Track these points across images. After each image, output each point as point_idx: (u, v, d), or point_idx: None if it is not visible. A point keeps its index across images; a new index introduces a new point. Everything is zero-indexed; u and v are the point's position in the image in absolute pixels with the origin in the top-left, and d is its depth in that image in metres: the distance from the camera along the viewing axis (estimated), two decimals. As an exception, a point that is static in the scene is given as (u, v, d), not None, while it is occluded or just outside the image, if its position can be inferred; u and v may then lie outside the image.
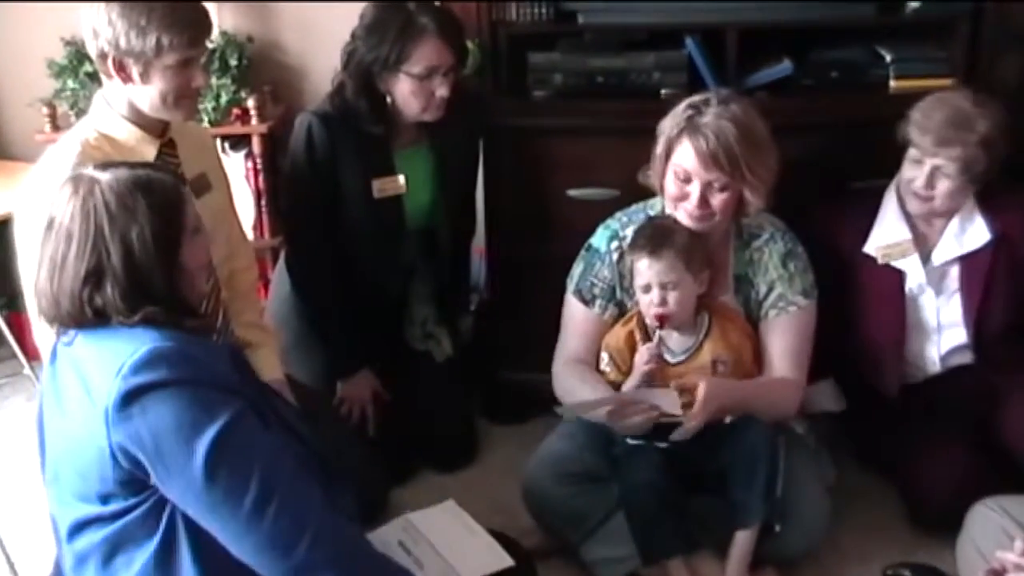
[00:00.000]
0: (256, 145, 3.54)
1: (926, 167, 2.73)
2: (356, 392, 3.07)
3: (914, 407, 2.88)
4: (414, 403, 3.09)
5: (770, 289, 2.71)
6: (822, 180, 2.99)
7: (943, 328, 2.87)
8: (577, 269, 2.80)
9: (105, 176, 1.95)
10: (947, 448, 2.76)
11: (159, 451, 1.86)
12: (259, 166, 3.56)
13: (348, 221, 2.99)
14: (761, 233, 2.75)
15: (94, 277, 1.91)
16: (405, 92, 2.86)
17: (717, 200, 2.60)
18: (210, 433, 1.86)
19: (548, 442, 2.76)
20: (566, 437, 2.74)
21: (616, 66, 3.15)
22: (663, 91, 3.12)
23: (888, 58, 3.17)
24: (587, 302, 2.77)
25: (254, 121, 3.52)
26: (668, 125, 2.64)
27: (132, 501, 1.94)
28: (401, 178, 2.98)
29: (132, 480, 1.92)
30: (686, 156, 2.59)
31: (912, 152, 2.75)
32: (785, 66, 3.16)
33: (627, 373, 2.60)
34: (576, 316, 2.78)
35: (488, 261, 3.36)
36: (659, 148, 2.65)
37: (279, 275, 3.15)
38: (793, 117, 2.98)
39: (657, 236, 2.60)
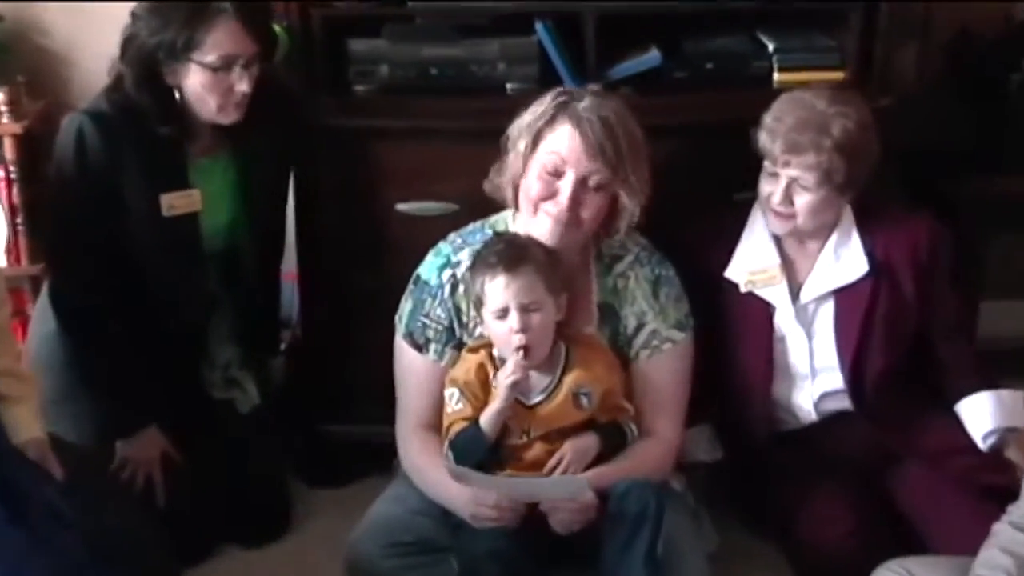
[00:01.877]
0: (8, 149, 3.51)
1: (781, 180, 2.80)
2: (140, 453, 3.01)
3: (791, 459, 2.96)
4: (213, 464, 3.06)
5: (640, 323, 2.77)
6: (697, 190, 3.04)
7: (816, 372, 2.95)
8: (406, 307, 2.81)
9: None
10: (832, 505, 2.84)
11: None
12: (13, 176, 3.52)
13: (130, 244, 2.96)
14: (624, 254, 2.80)
15: None
16: (197, 86, 2.84)
17: (590, 202, 2.64)
18: None
19: (375, 507, 2.78)
20: (397, 500, 2.76)
21: (453, 56, 3.16)
22: (510, 86, 3.15)
23: (771, 48, 3.24)
24: (420, 347, 2.78)
25: (5, 119, 3.48)
26: (529, 119, 2.67)
27: None
28: (196, 193, 2.97)
29: None
30: (563, 141, 2.62)
31: (766, 163, 2.83)
32: (653, 56, 3.21)
33: (483, 406, 2.63)
34: (411, 366, 2.80)
35: (302, 290, 3.34)
36: (522, 142, 2.67)
37: (41, 311, 3.09)
38: (662, 116, 3.02)
39: (512, 250, 2.63)
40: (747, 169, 2.91)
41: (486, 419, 2.61)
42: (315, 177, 3.18)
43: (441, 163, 3.09)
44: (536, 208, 2.66)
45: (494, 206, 2.81)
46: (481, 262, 2.66)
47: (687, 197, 2.99)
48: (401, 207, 3.13)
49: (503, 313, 2.61)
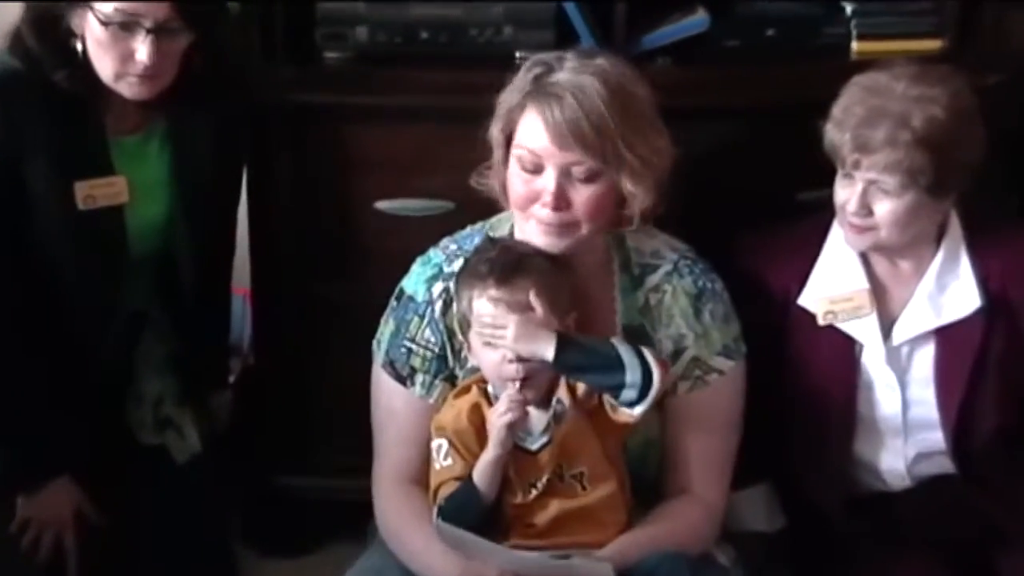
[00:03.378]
0: None
1: (857, 183, 2.71)
2: (48, 511, 2.92)
3: (871, 529, 2.89)
4: (140, 527, 2.98)
5: (678, 349, 2.68)
6: (752, 188, 3.00)
7: (911, 429, 2.85)
8: (386, 329, 2.74)
9: None
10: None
11: None
12: None
13: (36, 244, 2.88)
14: (659, 263, 2.72)
15: None
16: (94, 42, 2.75)
17: (582, 196, 2.55)
18: None
19: (346, 582, 2.74)
20: (371, 574, 2.71)
21: (449, 17, 3.12)
22: (519, 55, 3.01)
23: (848, 10, 3.21)
24: (404, 379, 2.71)
25: None
26: (507, 96, 2.61)
27: None
28: (121, 181, 2.88)
29: None
30: (532, 132, 2.55)
31: (839, 164, 2.77)
32: (699, 19, 3.16)
33: (475, 460, 2.57)
34: (392, 403, 2.72)
35: (255, 307, 3.31)
36: (496, 129, 2.62)
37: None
38: (709, 94, 3.00)
39: (507, 258, 2.57)
40: (815, 162, 2.77)
41: (480, 472, 2.53)
42: (274, 167, 3.11)
43: (432, 151, 3.04)
44: (526, 216, 2.62)
45: (496, 204, 2.74)
46: (468, 272, 2.61)
47: (739, 196, 2.97)
48: (382, 205, 3.08)
49: None
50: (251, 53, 3.07)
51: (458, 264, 2.67)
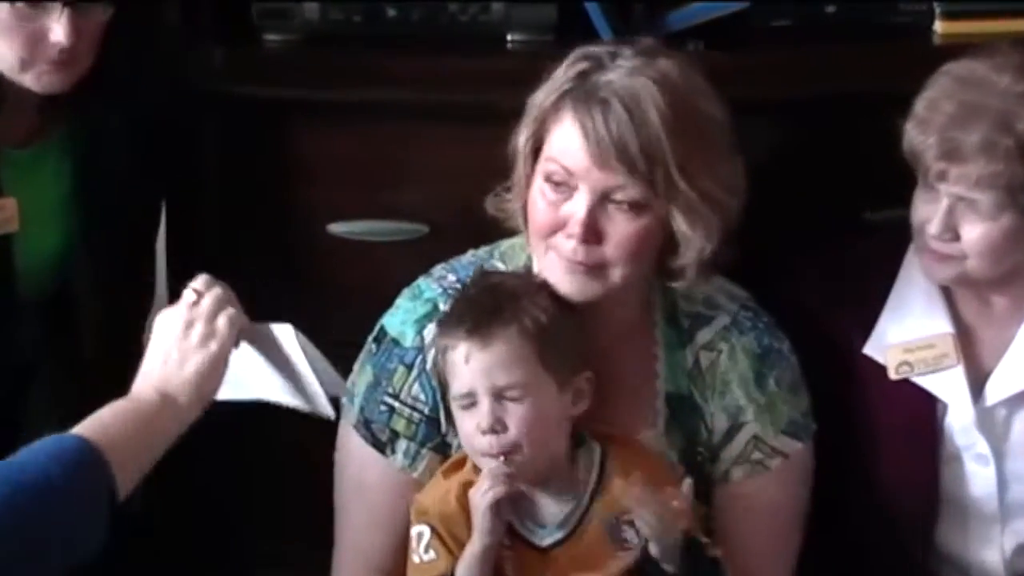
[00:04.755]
0: None
1: (942, 199, 2.60)
2: None
3: None
4: None
5: (735, 424, 2.60)
6: (808, 204, 2.93)
7: (1010, 513, 2.76)
8: (362, 379, 2.60)
9: None
10: None
11: None
12: None
13: None
14: (714, 315, 2.62)
15: None
16: None
17: (619, 230, 2.43)
18: None
19: None
20: None
21: None
22: (512, 38, 3.01)
23: None
24: (382, 445, 2.57)
25: None
26: (540, 96, 2.48)
27: None
28: (11, 203, 2.81)
29: None
30: (567, 144, 2.43)
31: (921, 174, 2.68)
32: None
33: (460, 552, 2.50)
34: (363, 474, 2.61)
35: None
36: (522, 138, 2.49)
37: None
38: (752, 86, 2.86)
39: (488, 301, 2.47)
40: (887, 172, 2.68)
41: (465, 569, 2.42)
42: (199, 178, 3.04)
43: (402, 159, 2.97)
44: (544, 246, 2.51)
45: (488, 228, 2.66)
46: (446, 319, 2.53)
47: (789, 215, 2.88)
48: (337, 228, 2.99)
49: (469, 400, 2.46)
50: (172, 32, 2.98)
51: None
